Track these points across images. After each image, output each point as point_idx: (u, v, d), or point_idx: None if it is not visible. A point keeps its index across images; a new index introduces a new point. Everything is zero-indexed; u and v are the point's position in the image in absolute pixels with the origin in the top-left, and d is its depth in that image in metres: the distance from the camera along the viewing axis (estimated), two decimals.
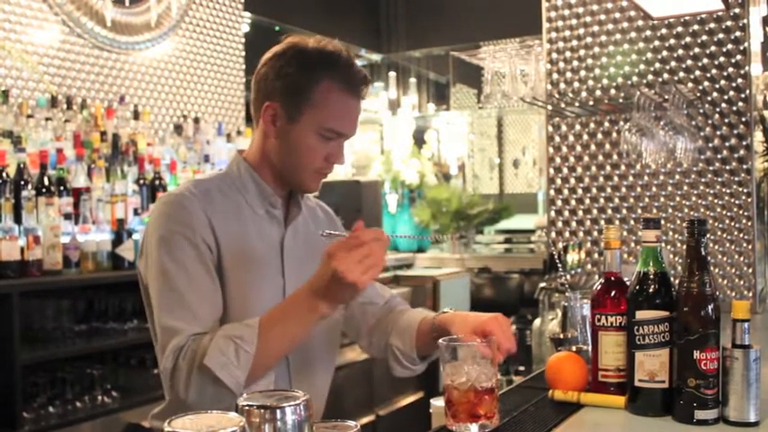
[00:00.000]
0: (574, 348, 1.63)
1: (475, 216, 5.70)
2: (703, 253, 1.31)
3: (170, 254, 1.42)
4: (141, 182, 3.36)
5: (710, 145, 2.52)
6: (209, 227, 1.45)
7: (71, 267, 2.87)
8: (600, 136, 2.70)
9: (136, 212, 3.21)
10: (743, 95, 2.48)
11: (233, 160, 1.59)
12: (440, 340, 1.32)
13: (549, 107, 2.71)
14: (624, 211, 2.66)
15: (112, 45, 3.80)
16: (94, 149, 3.30)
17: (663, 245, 1.39)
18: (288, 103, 1.48)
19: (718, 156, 2.52)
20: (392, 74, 6.67)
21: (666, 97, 2.40)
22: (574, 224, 2.74)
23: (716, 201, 2.51)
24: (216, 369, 1.29)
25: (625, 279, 1.44)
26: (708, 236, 1.97)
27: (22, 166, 2.86)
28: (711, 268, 1.84)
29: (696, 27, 2.54)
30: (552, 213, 2.78)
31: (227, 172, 1.58)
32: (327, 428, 1.01)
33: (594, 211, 2.70)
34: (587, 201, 2.72)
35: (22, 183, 2.83)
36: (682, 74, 2.56)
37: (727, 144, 2.50)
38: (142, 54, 3.97)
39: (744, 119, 2.48)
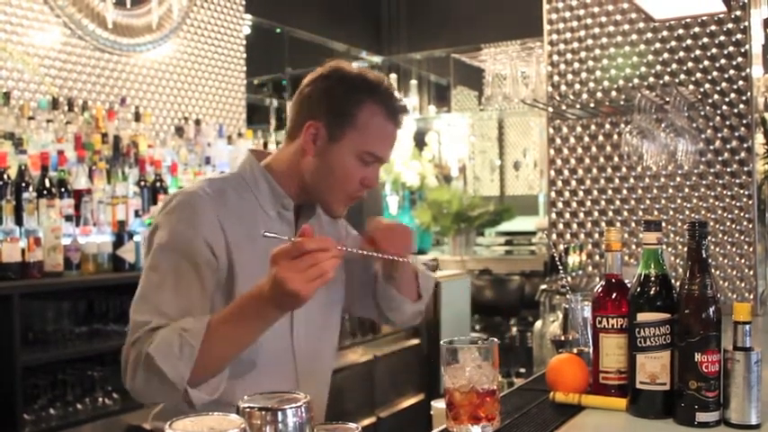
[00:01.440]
0: (575, 350, 1.63)
1: (476, 218, 5.71)
2: (704, 255, 1.31)
3: (168, 252, 1.41)
4: (142, 184, 3.36)
5: (711, 147, 2.52)
6: (220, 228, 1.44)
7: (72, 269, 2.87)
8: (601, 138, 2.70)
9: (137, 214, 3.21)
10: (744, 98, 2.48)
11: (245, 160, 1.59)
12: (441, 342, 1.32)
13: (550, 109, 2.70)
14: (625, 214, 2.65)
15: (114, 47, 3.80)
16: (95, 151, 3.31)
17: (664, 247, 1.39)
18: (331, 123, 1.49)
19: (719, 158, 2.51)
20: (393, 76, 6.67)
21: (667, 99, 2.40)
22: (575, 226, 2.74)
23: (717, 203, 2.51)
24: (158, 358, 1.27)
25: (626, 281, 1.44)
26: (709, 238, 1.96)
27: (23, 167, 2.86)
28: (712, 270, 1.84)
29: (697, 29, 2.53)
30: (553, 215, 2.78)
31: (240, 172, 1.58)
32: (328, 430, 1.01)
33: (595, 213, 2.70)
34: (588, 203, 2.71)
35: (24, 184, 2.83)
36: (683, 76, 2.55)
37: (728, 146, 2.50)
38: (143, 56, 3.98)
39: (745, 121, 2.48)
